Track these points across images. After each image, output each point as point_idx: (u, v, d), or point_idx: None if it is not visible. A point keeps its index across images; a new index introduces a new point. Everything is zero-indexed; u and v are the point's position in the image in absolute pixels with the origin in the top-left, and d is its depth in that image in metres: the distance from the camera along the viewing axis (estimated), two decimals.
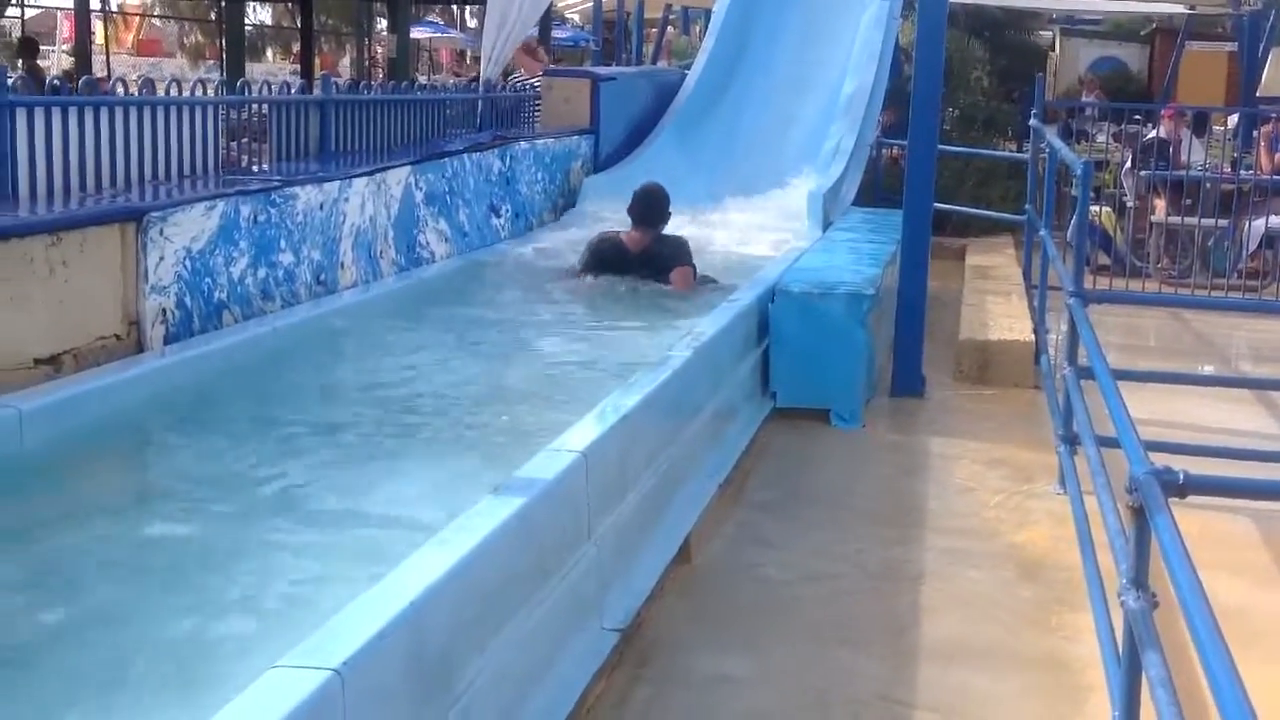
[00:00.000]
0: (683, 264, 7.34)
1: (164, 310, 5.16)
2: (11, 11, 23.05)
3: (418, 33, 26.91)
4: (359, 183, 6.75)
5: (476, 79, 11.00)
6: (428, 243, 7.58)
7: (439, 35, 33.74)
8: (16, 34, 22.08)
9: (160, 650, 2.99)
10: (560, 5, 23.57)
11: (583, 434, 3.87)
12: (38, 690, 2.84)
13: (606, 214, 9.28)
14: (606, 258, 7.40)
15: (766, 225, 9.14)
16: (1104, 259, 10.75)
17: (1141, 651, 2.60)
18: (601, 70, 12.18)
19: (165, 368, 4.88)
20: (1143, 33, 19.70)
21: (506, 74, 10.94)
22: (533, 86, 10.69)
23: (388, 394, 5.28)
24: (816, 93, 10.93)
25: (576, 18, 27.64)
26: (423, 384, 5.43)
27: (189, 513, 3.87)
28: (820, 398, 6.46)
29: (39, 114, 5.23)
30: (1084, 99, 15.28)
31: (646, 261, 7.30)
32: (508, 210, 8.84)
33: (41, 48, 21.70)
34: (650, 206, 7.48)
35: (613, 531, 3.90)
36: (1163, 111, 12.01)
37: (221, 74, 7.74)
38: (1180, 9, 16.76)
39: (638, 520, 4.16)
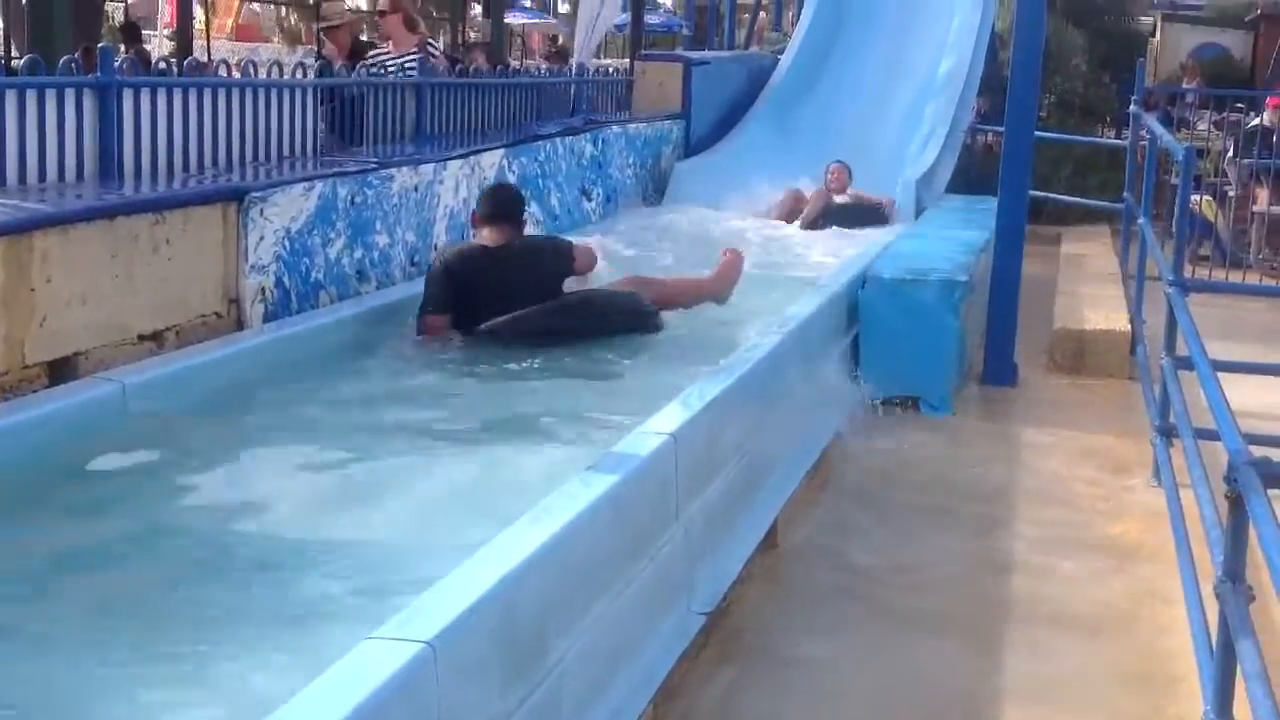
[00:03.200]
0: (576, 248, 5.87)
1: (263, 289, 5.26)
2: None
3: (511, 18, 27.05)
4: (453, 165, 6.82)
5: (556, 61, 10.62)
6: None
7: (532, 20, 33.89)
8: (119, 19, 22.53)
9: None
10: None
11: (672, 417, 3.89)
12: None
13: (699, 196, 9.34)
14: (468, 275, 5.51)
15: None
16: (1204, 249, 10.54)
17: (1236, 644, 2.57)
18: (694, 55, 12.17)
19: None
20: (1247, 18, 19.22)
21: (356, 50, 8.20)
22: (410, 68, 7.72)
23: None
24: (911, 78, 10.84)
25: (669, 2, 27.61)
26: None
27: None
28: (911, 385, 6.41)
29: (145, 95, 5.34)
30: (1185, 85, 14.97)
31: (520, 262, 5.60)
32: (599, 194, 8.88)
33: (143, 33, 22.12)
34: (502, 200, 5.92)
35: (701, 514, 3.91)
36: (1269, 99, 11.73)
37: (318, 58, 7.81)
38: None
39: (726, 504, 4.17)
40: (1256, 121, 11.23)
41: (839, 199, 9.32)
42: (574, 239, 6.11)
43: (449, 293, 5.49)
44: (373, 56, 7.98)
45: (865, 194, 9.40)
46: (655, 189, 9.84)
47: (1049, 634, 4.03)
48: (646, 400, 4.19)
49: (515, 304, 5.42)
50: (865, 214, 9.19)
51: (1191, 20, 19.94)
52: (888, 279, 6.57)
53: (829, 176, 9.40)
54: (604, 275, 6.05)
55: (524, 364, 5.20)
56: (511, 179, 7.51)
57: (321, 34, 8.99)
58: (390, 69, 7.76)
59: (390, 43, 8.05)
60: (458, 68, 8.65)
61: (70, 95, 4.97)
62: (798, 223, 9.11)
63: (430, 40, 8.56)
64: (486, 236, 5.67)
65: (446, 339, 5.44)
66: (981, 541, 4.77)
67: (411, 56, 7.79)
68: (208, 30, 24.50)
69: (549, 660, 2.85)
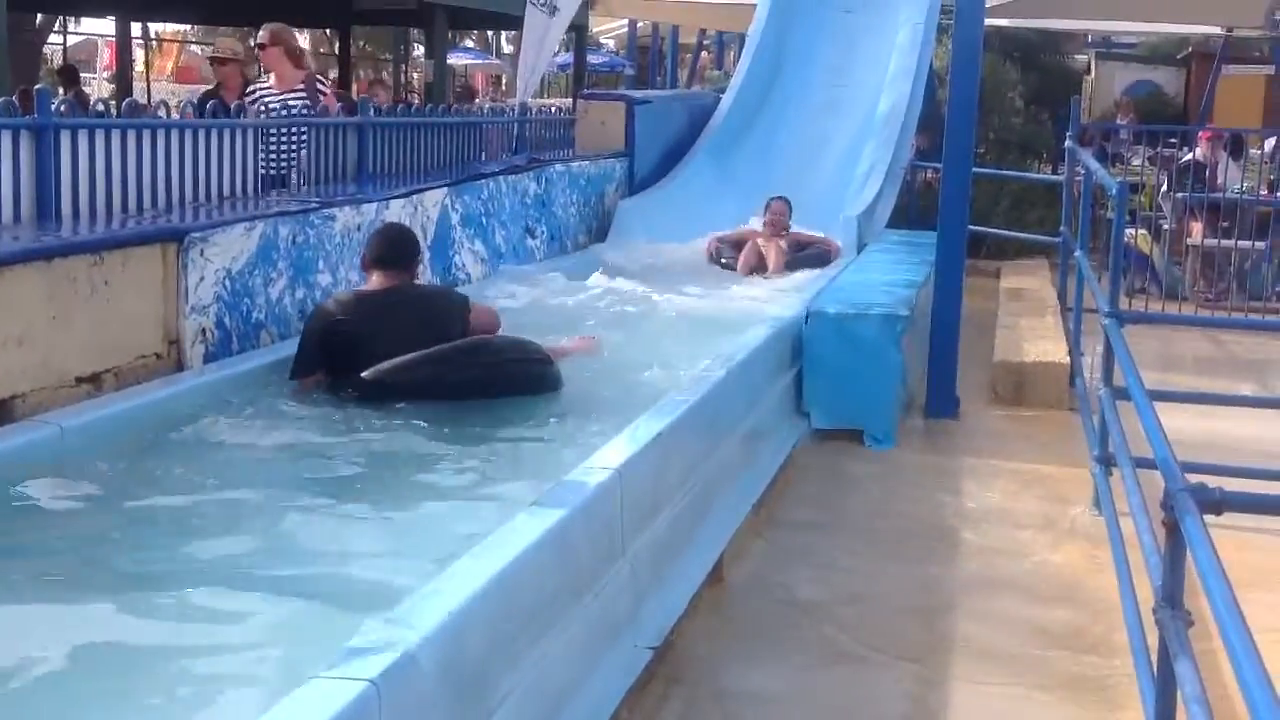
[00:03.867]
0: (476, 306, 5.50)
1: (204, 330, 5.22)
2: (53, 39, 23.37)
3: (454, 59, 27.09)
4: (396, 204, 6.81)
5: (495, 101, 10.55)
6: (464, 264, 7.64)
7: (475, 61, 33.96)
8: (58, 61, 22.39)
9: None
10: (596, 30, 23.72)
11: (616, 452, 3.89)
12: None
13: (643, 233, 9.37)
14: (346, 326, 5.07)
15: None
16: (1140, 282, 10.71)
17: (1176, 668, 2.60)
18: (636, 94, 12.25)
19: None
20: (1179, 56, 19.62)
21: (245, 87, 7.83)
22: (294, 105, 7.41)
23: None
24: (851, 115, 10.96)
25: (612, 43, 27.78)
26: None
27: None
28: (854, 418, 6.46)
29: (83, 136, 5.31)
30: (1119, 122, 15.23)
31: (408, 310, 5.15)
32: (543, 232, 8.89)
33: (82, 75, 21.97)
34: (393, 241, 5.50)
35: (647, 549, 3.91)
36: (1201, 133, 11.96)
37: (211, 96, 7.66)
38: (1217, 31, 16.70)
39: (672, 538, 4.17)
40: (1189, 156, 11.44)
41: (784, 242, 9.13)
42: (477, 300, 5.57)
43: (320, 352, 5.07)
44: (253, 92, 7.52)
45: (804, 232, 9.30)
46: (599, 227, 9.87)
47: (992, 664, 4.05)
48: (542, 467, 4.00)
49: (402, 354, 4.96)
50: (816, 257, 9.06)
51: (1125, 58, 20.33)
52: (831, 314, 6.62)
53: (769, 214, 9.27)
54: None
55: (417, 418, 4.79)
56: (455, 217, 7.51)
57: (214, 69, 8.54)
58: (272, 105, 7.35)
59: (273, 77, 7.56)
60: (397, 105, 8.53)
61: (7, 136, 4.93)
62: (769, 274, 8.89)
63: (320, 76, 8.15)
64: (374, 281, 5.29)
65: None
66: (925, 571, 4.80)
67: (296, 94, 7.39)
68: (148, 72, 24.37)
69: (494, 698, 2.83)
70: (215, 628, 3.06)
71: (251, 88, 7.67)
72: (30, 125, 5.05)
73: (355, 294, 5.31)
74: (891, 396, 6.55)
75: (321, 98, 7.48)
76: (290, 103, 7.35)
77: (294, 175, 7.09)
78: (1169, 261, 10.93)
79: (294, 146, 7.08)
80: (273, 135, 6.95)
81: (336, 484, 4.19)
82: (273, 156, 6.94)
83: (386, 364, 4.92)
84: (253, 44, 8.90)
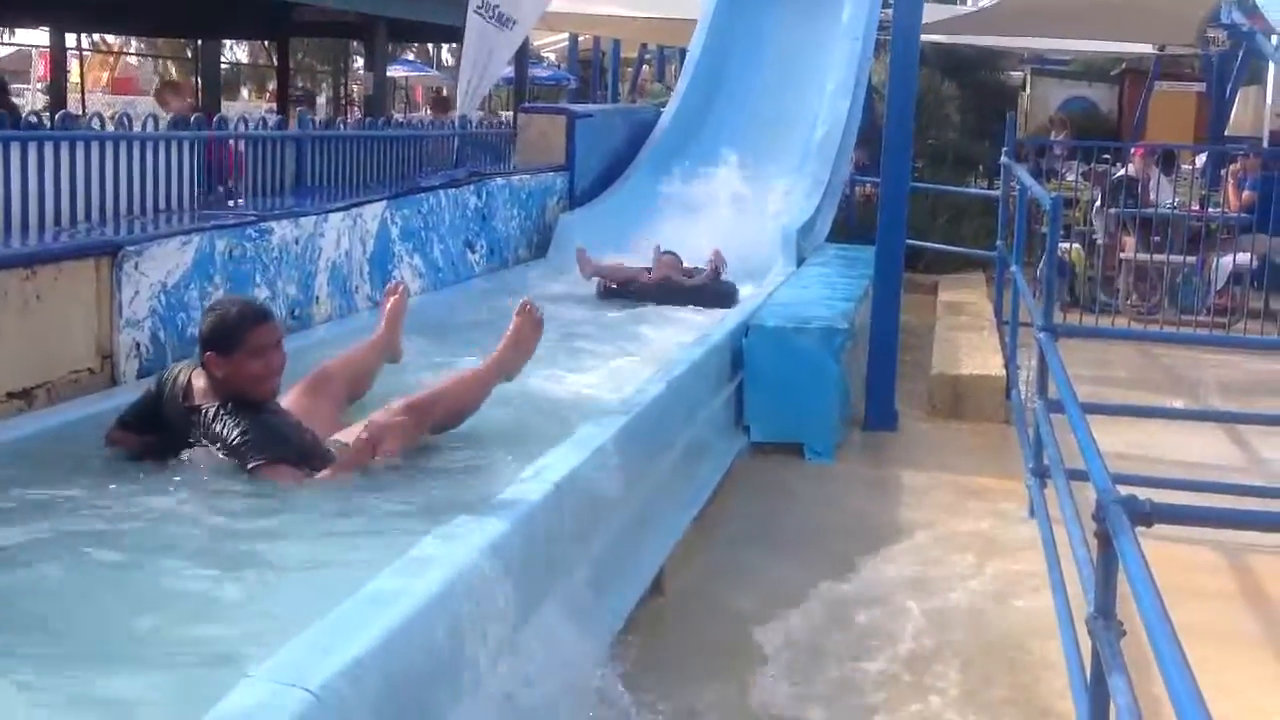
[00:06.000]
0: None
1: (138, 344, 5.16)
2: None
3: (394, 71, 27.00)
4: (335, 218, 6.77)
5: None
6: (402, 278, 7.59)
7: (415, 73, 33.85)
8: None
9: None
10: (537, 44, 23.72)
11: (556, 466, 3.88)
12: None
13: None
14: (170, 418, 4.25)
15: (743, 260, 9.19)
16: (1073, 295, 10.85)
17: (1109, 679, 2.63)
18: (577, 107, 12.26)
19: None
20: (1113, 73, 19.93)
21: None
22: None
23: None
24: (790, 130, 11.03)
25: (553, 56, 27.79)
26: None
27: None
28: (794, 432, 6.49)
29: (14, 148, 5.24)
30: (1054, 137, 15.43)
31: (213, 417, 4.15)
32: (483, 246, 8.87)
33: (15, 86, 21.66)
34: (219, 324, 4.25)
35: (587, 563, 3.90)
36: (1134, 150, 12.14)
37: (196, 110, 7.71)
38: (1149, 50, 16.98)
39: (612, 552, 4.17)
40: (1122, 172, 11.61)
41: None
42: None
43: (147, 421, 4.34)
44: None
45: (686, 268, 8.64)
46: (540, 241, 9.86)
47: (931, 670, 4.08)
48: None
49: None
50: (691, 295, 8.33)
51: (1060, 74, 20.61)
52: (770, 327, 6.65)
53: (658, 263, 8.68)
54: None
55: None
56: (394, 231, 7.48)
57: None
58: None
59: None
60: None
61: None
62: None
63: None
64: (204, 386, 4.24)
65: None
66: (862, 580, 4.83)
67: None
68: (83, 84, 24.08)
69: None
70: None
71: None
72: None
73: (182, 388, 4.28)
74: (831, 410, 6.59)
75: None
76: None
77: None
78: (1102, 276, 11.08)
79: None
80: None
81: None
82: None
83: None
84: (189, 54, 8.67)
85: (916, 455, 6.72)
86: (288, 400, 4.48)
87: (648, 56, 22.51)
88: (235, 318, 4.23)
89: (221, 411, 4.14)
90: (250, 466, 4.02)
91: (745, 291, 8.42)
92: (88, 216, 5.65)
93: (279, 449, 4.09)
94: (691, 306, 8.19)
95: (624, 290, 8.51)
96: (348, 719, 2.40)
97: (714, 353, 6.19)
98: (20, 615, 3.09)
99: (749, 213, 9.82)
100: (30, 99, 26.11)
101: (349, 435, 4.32)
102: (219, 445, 4.09)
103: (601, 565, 4.03)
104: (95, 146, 5.72)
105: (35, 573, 3.31)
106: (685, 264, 8.71)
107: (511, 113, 14.82)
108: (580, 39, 21.95)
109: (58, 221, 5.46)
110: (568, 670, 3.48)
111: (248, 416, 4.12)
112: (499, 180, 9.25)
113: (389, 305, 5.48)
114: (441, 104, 12.02)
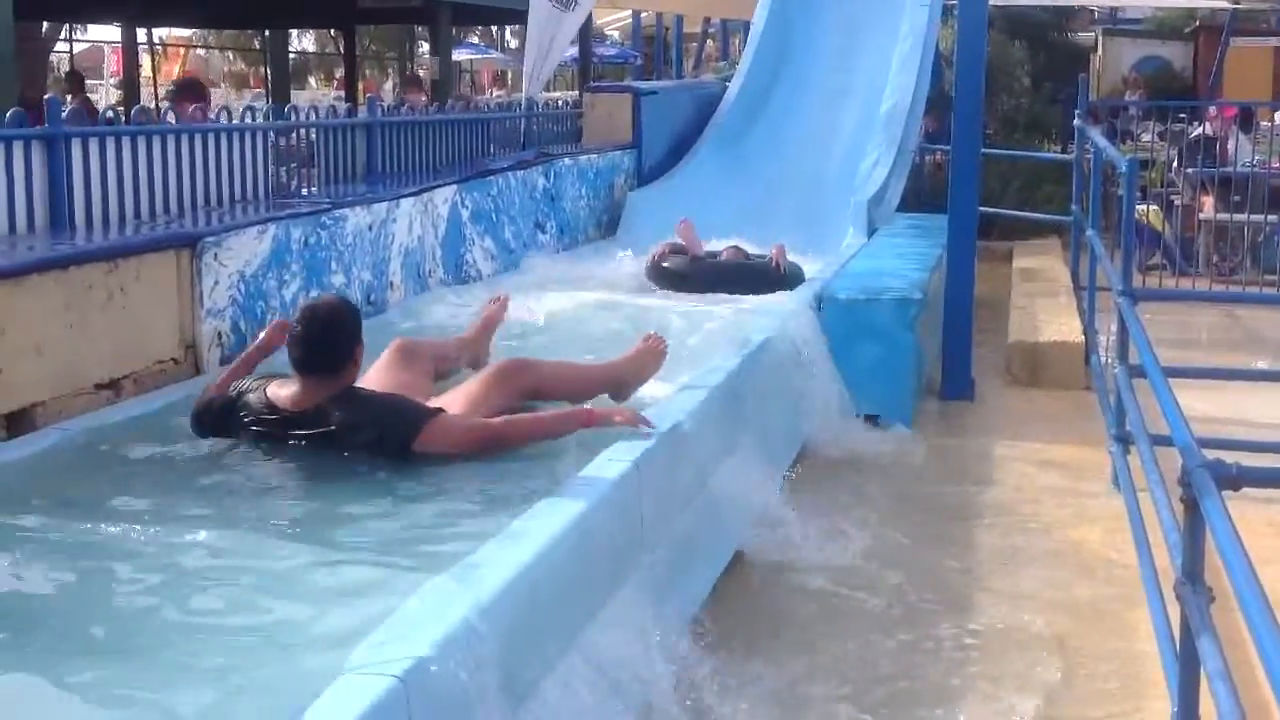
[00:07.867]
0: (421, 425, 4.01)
1: (219, 333, 5.25)
2: (59, 46, 23.43)
3: (459, 54, 27.10)
4: (406, 203, 6.83)
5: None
6: (474, 260, 7.66)
7: (480, 56, 33.96)
8: (64, 68, 22.44)
9: None
10: (600, 22, 23.70)
11: (632, 445, 3.91)
12: None
13: (653, 225, 9.24)
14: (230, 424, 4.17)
15: (813, 233, 9.13)
16: (1153, 258, 10.68)
17: (1198, 644, 2.60)
18: (642, 84, 12.24)
19: None
20: (1186, 30, 19.53)
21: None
22: None
23: None
24: (858, 100, 10.92)
25: (617, 34, 27.76)
26: None
27: None
28: (870, 403, 6.46)
29: (93, 144, 5.33)
30: (1128, 98, 15.19)
31: (318, 442, 4.01)
32: (553, 226, 8.91)
33: (89, 81, 22.02)
34: (315, 342, 4.08)
35: (669, 535, 3.94)
36: (1211, 109, 11.91)
37: (267, 101, 7.79)
38: (1224, 5, 16.63)
39: (695, 523, 4.19)
40: (1199, 131, 11.40)
41: (706, 250, 7.98)
42: (446, 409, 4.17)
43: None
44: None
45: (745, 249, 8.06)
46: (609, 219, 9.88)
47: (1015, 641, 4.06)
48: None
49: None
50: (744, 274, 7.67)
51: (1132, 34, 20.22)
52: (843, 299, 6.63)
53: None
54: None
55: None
56: (465, 214, 7.53)
57: None
58: None
59: None
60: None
61: (19, 147, 4.96)
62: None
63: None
64: (293, 391, 4.10)
65: None
66: (945, 552, 4.81)
67: None
68: (155, 77, 24.41)
69: (524, 689, 2.85)
70: None
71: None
72: (42, 135, 5.07)
73: (262, 402, 4.13)
74: (907, 380, 6.55)
75: None
76: None
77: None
78: (1182, 238, 10.90)
79: None
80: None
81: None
82: None
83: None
84: (257, 45, 8.81)
85: (995, 424, 6.67)
86: (376, 373, 4.47)
87: (711, 31, 22.39)
88: (357, 312, 4.26)
89: (335, 408, 4.01)
90: (424, 428, 3.96)
91: (815, 268, 8.19)
92: (167, 209, 5.74)
93: (421, 410, 4.07)
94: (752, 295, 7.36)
95: (674, 274, 7.78)
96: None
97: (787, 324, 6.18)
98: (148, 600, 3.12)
99: (818, 185, 9.77)
100: (104, 94, 26.54)
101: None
102: (360, 434, 3.97)
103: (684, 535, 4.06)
104: (171, 139, 5.80)
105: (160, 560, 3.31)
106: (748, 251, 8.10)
107: (576, 92, 14.82)
108: (643, 16, 21.89)
109: (138, 215, 5.55)
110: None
111: (365, 402, 4.10)
112: (567, 160, 9.27)
113: (487, 311, 5.53)
114: (415, 82, 11.99)
